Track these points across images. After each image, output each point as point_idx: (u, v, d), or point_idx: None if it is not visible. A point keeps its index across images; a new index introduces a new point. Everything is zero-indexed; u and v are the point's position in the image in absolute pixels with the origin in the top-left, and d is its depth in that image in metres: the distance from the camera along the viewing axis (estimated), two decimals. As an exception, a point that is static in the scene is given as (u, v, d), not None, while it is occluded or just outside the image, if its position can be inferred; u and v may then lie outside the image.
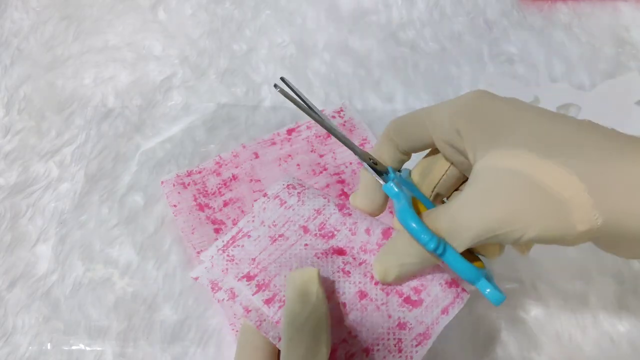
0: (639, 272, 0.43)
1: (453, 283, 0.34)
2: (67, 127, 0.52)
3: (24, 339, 0.41)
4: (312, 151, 0.49)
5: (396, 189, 0.32)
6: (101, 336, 0.41)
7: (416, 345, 0.32)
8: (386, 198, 0.35)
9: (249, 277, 0.34)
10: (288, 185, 0.37)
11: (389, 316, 0.33)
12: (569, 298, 0.42)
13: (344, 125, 0.50)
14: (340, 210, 0.36)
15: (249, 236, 0.35)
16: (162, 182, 0.47)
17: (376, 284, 0.33)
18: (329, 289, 0.33)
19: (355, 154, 0.34)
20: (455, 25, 0.58)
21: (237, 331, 0.40)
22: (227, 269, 0.34)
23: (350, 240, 0.35)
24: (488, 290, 0.30)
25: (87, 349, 0.41)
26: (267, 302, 0.33)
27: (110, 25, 0.59)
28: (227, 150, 0.49)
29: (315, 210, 0.36)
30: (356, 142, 0.49)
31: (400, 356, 0.32)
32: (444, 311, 0.33)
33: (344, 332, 0.32)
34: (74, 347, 0.41)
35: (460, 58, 0.56)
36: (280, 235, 0.35)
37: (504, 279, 0.43)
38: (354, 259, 0.34)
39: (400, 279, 0.33)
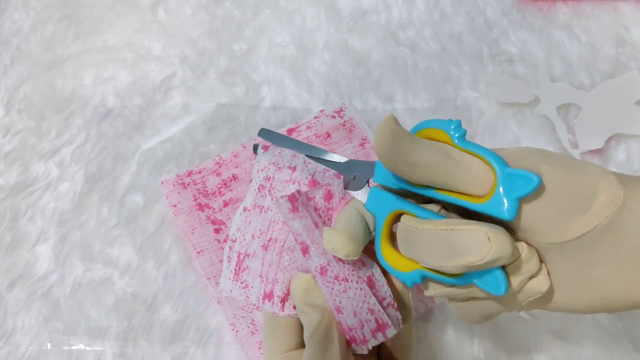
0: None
1: None
2: (67, 127, 0.52)
3: (24, 339, 0.41)
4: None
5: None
6: (101, 336, 0.41)
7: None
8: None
9: (269, 297, 0.34)
10: (259, 187, 0.37)
11: (357, 282, 0.33)
12: (569, 298, 0.42)
13: (344, 125, 0.50)
14: (311, 187, 0.36)
15: (248, 255, 0.36)
16: (162, 182, 0.47)
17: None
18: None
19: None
20: (455, 25, 0.58)
21: (237, 331, 0.40)
22: (247, 296, 0.35)
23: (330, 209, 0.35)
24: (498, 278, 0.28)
25: (87, 349, 0.41)
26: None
27: (110, 25, 0.59)
28: (227, 150, 0.49)
29: None
30: (356, 143, 0.49)
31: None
32: None
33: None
34: (74, 347, 0.41)
35: (460, 58, 0.56)
36: (269, 240, 0.35)
37: (504, 279, 0.43)
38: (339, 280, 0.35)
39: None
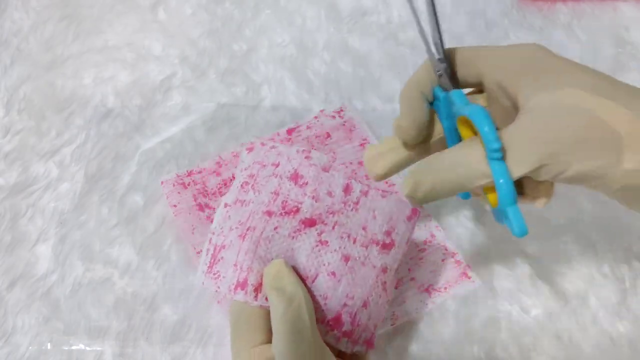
0: (639, 272, 0.43)
1: (413, 214, 0.36)
2: (67, 127, 0.52)
3: (24, 339, 0.41)
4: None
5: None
6: (101, 336, 0.41)
7: (393, 281, 0.37)
8: (432, 117, 0.36)
9: (242, 285, 0.34)
10: (241, 184, 0.37)
11: (374, 266, 0.35)
12: (569, 298, 0.42)
13: (344, 125, 0.50)
14: (295, 183, 0.36)
15: (224, 246, 0.35)
16: (162, 182, 0.47)
17: (354, 242, 0.35)
18: (314, 263, 0.34)
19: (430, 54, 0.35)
20: (455, 25, 0.58)
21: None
22: (218, 287, 0.35)
23: (315, 208, 0.35)
24: (517, 218, 0.30)
25: (87, 349, 0.41)
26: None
27: (110, 25, 0.59)
28: (227, 150, 0.49)
29: (272, 192, 0.36)
30: (356, 143, 0.49)
31: (386, 295, 0.36)
32: (407, 242, 0.37)
33: (342, 298, 0.33)
34: (74, 347, 0.41)
35: (460, 58, 0.56)
36: (247, 229, 0.35)
37: (504, 279, 0.43)
38: (325, 224, 0.35)
39: (426, 198, 0.33)
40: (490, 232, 0.45)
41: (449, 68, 0.34)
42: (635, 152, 0.28)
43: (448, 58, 0.35)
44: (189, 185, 0.47)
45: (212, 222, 0.45)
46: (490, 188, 0.31)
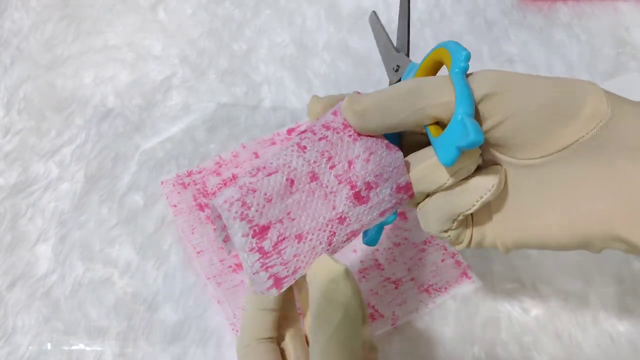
0: (639, 272, 0.43)
1: (403, 188, 0.32)
2: (67, 127, 0.52)
3: (24, 339, 0.41)
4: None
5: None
6: (101, 336, 0.41)
7: (344, 242, 0.31)
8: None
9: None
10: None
11: (333, 207, 0.31)
12: (569, 298, 0.42)
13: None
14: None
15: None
16: (162, 182, 0.47)
17: (331, 168, 0.31)
18: (280, 159, 0.30)
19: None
20: (455, 25, 0.58)
21: (237, 331, 0.40)
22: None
23: (317, 121, 0.32)
24: (474, 126, 0.28)
25: (87, 349, 0.41)
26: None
27: (110, 25, 0.59)
28: (227, 150, 0.49)
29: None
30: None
31: (328, 250, 0.31)
32: (382, 214, 0.32)
33: (283, 212, 0.30)
34: (74, 347, 0.41)
35: (460, 58, 0.56)
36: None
37: (504, 278, 0.43)
38: (314, 133, 0.31)
39: (374, 127, 0.30)
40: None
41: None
42: (597, 101, 0.27)
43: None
44: (189, 185, 0.47)
45: (212, 222, 0.45)
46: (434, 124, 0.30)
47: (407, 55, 0.35)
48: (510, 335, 0.41)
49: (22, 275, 0.44)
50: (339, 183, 0.31)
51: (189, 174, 0.47)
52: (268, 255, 0.29)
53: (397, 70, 0.34)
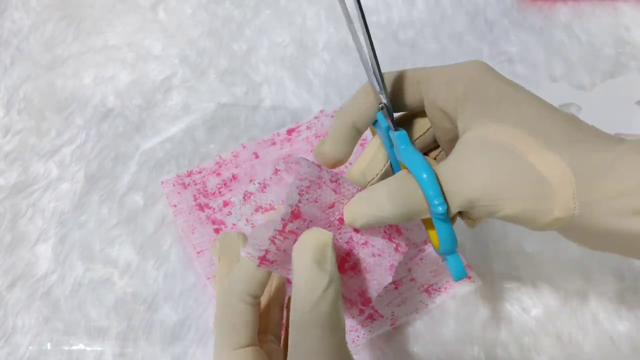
0: (639, 271, 0.43)
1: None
2: (67, 127, 0.52)
3: (24, 339, 0.41)
4: (312, 151, 0.49)
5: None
6: (101, 336, 0.41)
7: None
8: (353, 146, 0.34)
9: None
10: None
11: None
12: (569, 297, 0.42)
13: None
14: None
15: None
16: (162, 182, 0.47)
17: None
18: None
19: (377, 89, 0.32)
20: (455, 25, 0.58)
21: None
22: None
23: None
24: (457, 264, 0.31)
25: (87, 349, 0.41)
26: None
27: (110, 25, 0.59)
28: (227, 150, 0.49)
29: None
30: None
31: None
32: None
33: (313, 217, 0.31)
34: (74, 347, 0.41)
35: (460, 58, 0.55)
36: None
37: (504, 278, 0.43)
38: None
39: (368, 227, 0.32)
40: (490, 232, 0.45)
41: (389, 95, 0.32)
42: (564, 203, 0.26)
43: (391, 82, 0.33)
44: (189, 185, 0.47)
45: (212, 222, 0.45)
46: (429, 222, 0.31)
47: (384, 90, 0.32)
48: (510, 336, 0.41)
49: (22, 275, 0.44)
50: (346, 242, 0.33)
51: (189, 174, 0.47)
52: (283, 234, 0.31)
53: (381, 108, 0.32)
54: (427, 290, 0.42)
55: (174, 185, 0.47)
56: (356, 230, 0.33)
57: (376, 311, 0.41)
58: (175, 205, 0.46)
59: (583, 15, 0.58)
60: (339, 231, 0.32)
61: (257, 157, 0.48)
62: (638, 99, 0.51)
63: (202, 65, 0.56)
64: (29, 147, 0.51)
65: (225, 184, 0.47)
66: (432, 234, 0.31)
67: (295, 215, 0.31)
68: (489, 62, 0.58)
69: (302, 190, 0.31)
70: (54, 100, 0.54)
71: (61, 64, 0.56)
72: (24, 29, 0.59)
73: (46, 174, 0.49)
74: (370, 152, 0.35)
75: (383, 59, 0.56)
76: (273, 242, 0.31)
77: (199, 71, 0.56)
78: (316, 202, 0.31)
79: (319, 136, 0.49)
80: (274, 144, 0.49)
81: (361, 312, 0.34)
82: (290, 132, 0.50)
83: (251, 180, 0.47)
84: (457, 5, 0.60)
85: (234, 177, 0.47)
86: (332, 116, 0.51)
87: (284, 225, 0.31)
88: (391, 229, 0.33)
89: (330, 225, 0.32)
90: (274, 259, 0.31)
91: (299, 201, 0.31)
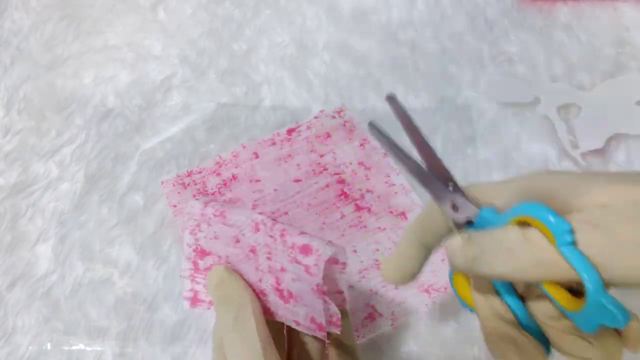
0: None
1: (317, 324, 0.31)
2: (67, 127, 0.52)
3: (24, 339, 0.41)
4: (312, 151, 0.49)
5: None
6: (101, 336, 0.41)
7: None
8: (421, 267, 0.31)
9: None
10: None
11: (259, 280, 0.32)
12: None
13: (344, 125, 0.50)
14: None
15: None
16: (162, 182, 0.47)
17: (268, 259, 0.32)
18: (240, 220, 0.32)
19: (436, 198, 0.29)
20: (455, 25, 0.58)
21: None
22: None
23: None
24: (616, 304, 0.24)
25: (87, 349, 0.41)
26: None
27: (110, 25, 0.59)
28: (227, 150, 0.49)
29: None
30: (356, 143, 0.49)
31: None
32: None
33: (223, 252, 0.32)
34: (74, 347, 0.41)
35: (460, 58, 0.56)
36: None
37: (504, 279, 0.43)
38: (271, 225, 0.32)
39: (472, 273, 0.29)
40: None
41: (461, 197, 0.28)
42: None
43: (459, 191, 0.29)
44: (189, 185, 0.47)
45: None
46: (552, 286, 0.26)
47: (454, 185, 0.28)
48: (510, 335, 0.41)
49: (22, 275, 0.44)
50: (269, 271, 0.32)
51: (189, 174, 0.47)
52: (198, 272, 0.33)
53: (456, 210, 0.28)
54: (427, 291, 0.42)
55: (174, 185, 0.47)
56: (269, 257, 0.31)
57: (376, 310, 0.41)
58: (175, 205, 0.46)
59: (583, 15, 0.58)
60: (259, 262, 0.32)
61: (257, 157, 0.48)
62: (638, 99, 0.51)
63: (202, 65, 0.56)
64: (29, 147, 0.51)
65: (225, 184, 0.47)
66: (558, 293, 0.26)
67: (202, 252, 0.32)
68: (488, 62, 0.58)
69: (194, 230, 0.32)
70: (54, 100, 0.54)
71: (61, 64, 0.56)
72: (24, 29, 0.59)
73: (46, 174, 0.49)
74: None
75: (383, 59, 0.56)
76: (195, 280, 0.33)
77: (199, 71, 0.56)
78: (217, 238, 0.32)
79: (319, 136, 0.49)
80: (274, 144, 0.49)
81: (325, 337, 0.31)
82: (290, 132, 0.50)
83: (251, 180, 0.47)
84: (457, 5, 0.60)
85: (234, 177, 0.47)
86: (333, 116, 0.51)
87: (195, 265, 0.33)
88: (293, 249, 0.31)
89: (249, 259, 0.32)
90: (206, 298, 0.33)
91: (197, 240, 0.32)
